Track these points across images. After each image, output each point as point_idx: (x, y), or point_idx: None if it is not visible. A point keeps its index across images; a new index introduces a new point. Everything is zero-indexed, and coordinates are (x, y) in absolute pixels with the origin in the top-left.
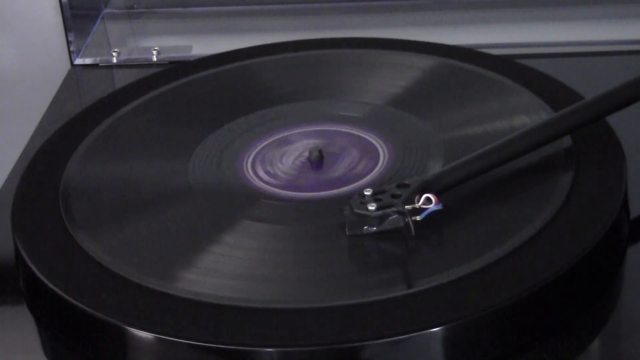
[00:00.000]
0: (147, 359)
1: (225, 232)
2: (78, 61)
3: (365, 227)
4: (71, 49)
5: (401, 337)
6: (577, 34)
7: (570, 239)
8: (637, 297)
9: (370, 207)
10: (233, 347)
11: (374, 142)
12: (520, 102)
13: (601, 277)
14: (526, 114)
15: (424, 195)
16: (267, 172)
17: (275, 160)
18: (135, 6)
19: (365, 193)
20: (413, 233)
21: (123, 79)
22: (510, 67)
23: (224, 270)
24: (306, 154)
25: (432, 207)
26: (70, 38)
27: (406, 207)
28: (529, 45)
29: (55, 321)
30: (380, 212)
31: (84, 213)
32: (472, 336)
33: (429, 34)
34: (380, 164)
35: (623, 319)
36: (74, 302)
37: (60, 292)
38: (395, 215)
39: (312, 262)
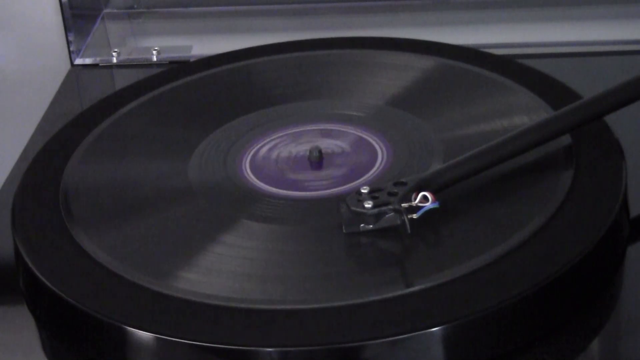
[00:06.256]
0: (147, 359)
1: (225, 232)
2: (78, 61)
3: (362, 225)
4: (71, 49)
5: (401, 337)
6: (577, 34)
7: (570, 239)
8: (637, 297)
9: (366, 205)
10: (233, 347)
11: (374, 142)
12: (520, 102)
13: (601, 277)
14: (526, 114)
15: (421, 194)
16: (266, 172)
17: (274, 160)
18: (135, 6)
19: (362, 191)
20: (409, 231)
21: (123, 79)
22: (510, 67)
23: (223, 270)
24: (306, 153)
25: (428, 205)
26: (70, 38)
27: (403, 205)
28: (528, 45)
29: (55, 321)
30: (376, 210)
31: (84, 213)
32: (472, 336)
33: (429, 34)
34: (380, 163)
35: (623, 319)
36: (74, 302)
37: (60, 292)
38: (392, 213)
39: (312, 262)
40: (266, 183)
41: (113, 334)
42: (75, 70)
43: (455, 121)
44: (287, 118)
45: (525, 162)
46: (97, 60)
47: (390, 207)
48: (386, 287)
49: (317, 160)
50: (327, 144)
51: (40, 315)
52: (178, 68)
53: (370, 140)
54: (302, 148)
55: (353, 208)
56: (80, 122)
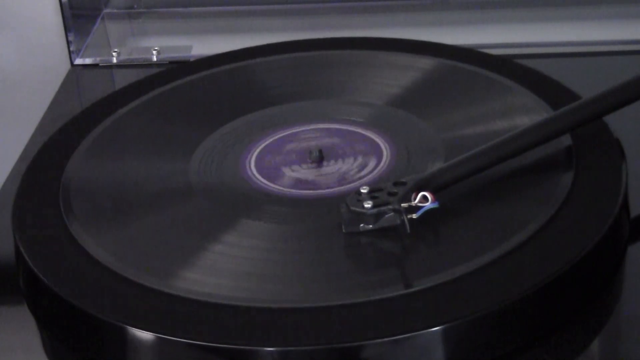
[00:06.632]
0: (147, 359)
1: (226, 231)
2: (78, 61)
3: (362, 225)
4: (71, 49)
5: (401, 336)
6: (577, 34)
7: (570, 239)
8: (637, 297)
9: (366, 205)
10: (233, 347)
11: (374, 142)
12: (520, 102)
13: (601, 277)
14: (526, 114)
15: (420, 193)
16: (267, 172)
17: (275, 160)
18: (135, 6)
19: (362, 191)
20: (408, 231)
21: (123, 79)
22: (510, 67)
23: (224, 269)
24: (306, 153)
25: (428, 205)
26: (70, 38)
27: (402, 205)
28: (528, 45)
29: (55, 321)
30: (376, 210)
31: (84, 213)
32: (472, 336)
33: (429, 34)
34: (380, 164)
35: (623, 319)
36: (74, 302)
37: (60, 292)
38: (392, 213)
39: (312, 262)
40: (266, 183)
41: (113, 334)
42: (75, 70)
43: (455, 121)
44: (287, 118)
45: (525, 162)
46: (97, 60)
47: (390, 207)
48: (386, 287)
49: (318, 160)
50: (328, 144)
51: (40, 315)
52: (178, 68)
53: (370, 140)
54: (302, 148)
55: (353, 208)
56: (81, 122)
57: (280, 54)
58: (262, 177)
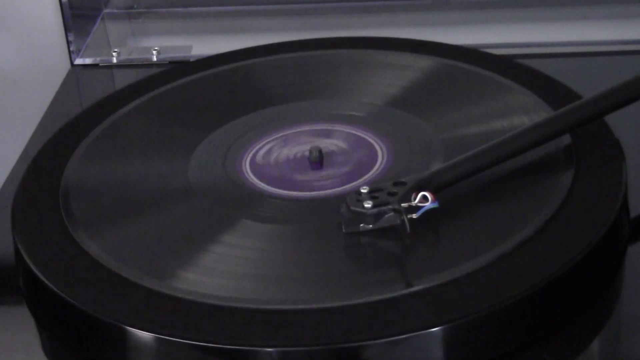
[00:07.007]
0: (147, 359)
1: (225, 232)
2: (78, 61)
3: (362, 225)
4: (71, 49)
5: (401, 337)
6: (577, 34)
7: (570, 239)
8: (637, 297)
9: (366, 205)
10: (233, 347)
11: (374, 142)
12: (520, 102)
13: (601, 277)
14: (526, 114)
15: (421, 193)
16: (267, 172)
17: (275, 160)
18: (135, 6)
19: (362, 191)
20: (408, 231)
21: (123, 79)
22: (510, 67)
23: (224, 270)
24: (306, 153)
25: (428, 205)
26: (70, 38)
27: (402, 204)
28: (529, 45)
29: (55, 321)
30: (376, 210)
31: (84, 213)
32: (472, 336)
33: (429, 34)
34: (380, 164)
35: (623, 319)
36: (74, 302)
37: (60, 292)
38: (392, 213)
39: (312, 262)
40: (266, 183)
41: (113, 334)
42: (75, 70)
43: (455, 121)
44: (287, 118)
45: (525, 162)
46: (97, 60)
47: (390, 207)
48: (386, 287)
49: (317, 160)
50: (327, 144)
51: (40, 315)
52: (178, 68)
53: (370, 140)
54: (302, 148)
55: (353, 208)
56: (80, 122)
57: (280, 54)
58: (262, 177)
